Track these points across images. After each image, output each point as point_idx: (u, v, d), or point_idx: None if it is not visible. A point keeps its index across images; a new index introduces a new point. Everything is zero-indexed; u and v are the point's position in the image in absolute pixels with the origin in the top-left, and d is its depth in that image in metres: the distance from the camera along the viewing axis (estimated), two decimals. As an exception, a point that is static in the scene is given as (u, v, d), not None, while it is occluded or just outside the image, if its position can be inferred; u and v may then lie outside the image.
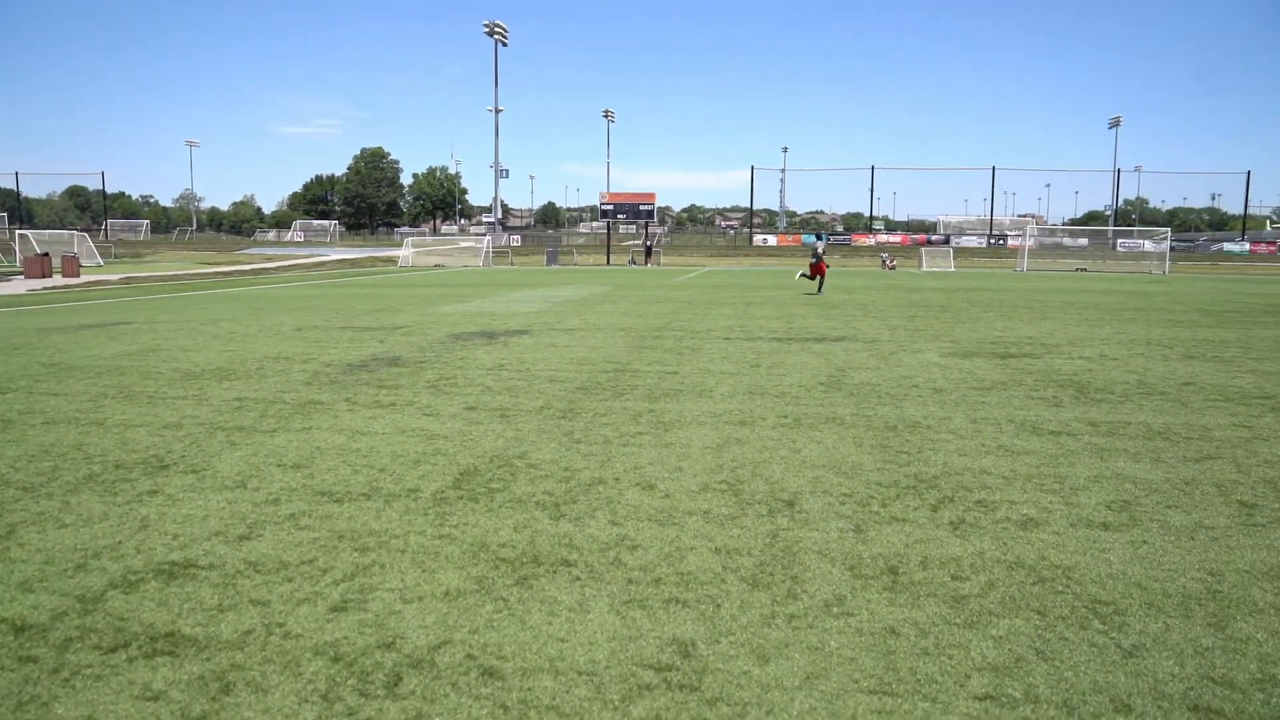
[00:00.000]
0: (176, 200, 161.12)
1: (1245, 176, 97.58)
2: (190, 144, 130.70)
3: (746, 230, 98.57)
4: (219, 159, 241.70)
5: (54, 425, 7.70)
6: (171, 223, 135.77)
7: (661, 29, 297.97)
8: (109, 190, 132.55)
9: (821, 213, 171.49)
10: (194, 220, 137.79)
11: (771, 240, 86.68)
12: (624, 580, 4.28)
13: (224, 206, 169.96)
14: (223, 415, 8.05)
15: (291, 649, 3.60)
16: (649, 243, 59.01)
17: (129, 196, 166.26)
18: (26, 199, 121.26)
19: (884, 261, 54.93)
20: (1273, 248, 78.40)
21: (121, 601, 4.05)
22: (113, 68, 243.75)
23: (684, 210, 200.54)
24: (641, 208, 58.16)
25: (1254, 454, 6.75)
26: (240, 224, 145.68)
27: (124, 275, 38.99)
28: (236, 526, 5.05)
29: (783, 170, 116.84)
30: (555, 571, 4.38)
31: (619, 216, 59.56)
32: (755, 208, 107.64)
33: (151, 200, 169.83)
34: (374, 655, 3.54)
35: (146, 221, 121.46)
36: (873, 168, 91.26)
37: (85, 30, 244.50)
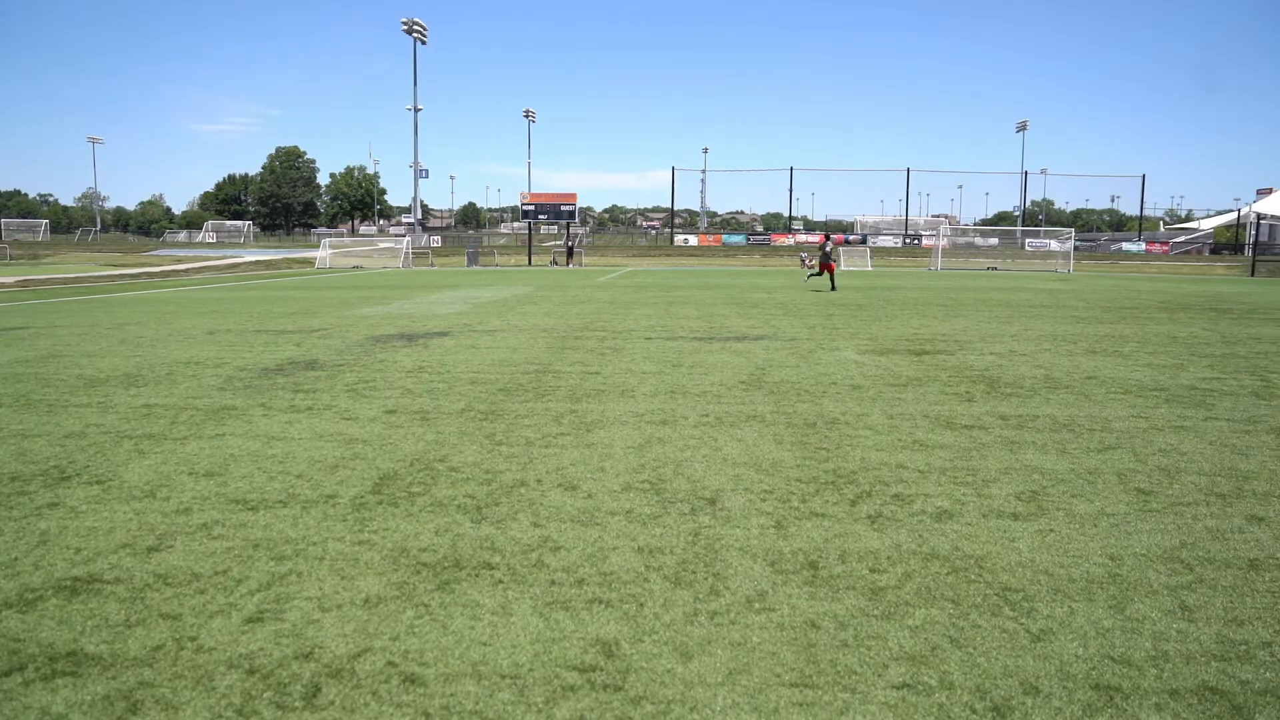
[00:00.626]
0: (79, 199, 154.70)
1: (1141, 180, 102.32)
2: (93, 140, 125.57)
3: (668, 230, 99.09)
4: (124, 157, 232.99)
5: (-54, 437, 7.33)
6: (73, 223, 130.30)
7: (583, 29, 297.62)
8: (3, 188, 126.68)
9: (742, 213, 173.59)
10: (98, 220, 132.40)
11: (693, 240, 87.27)
12: (547, 582, 4.27)
13: (130, 206, 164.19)
14: (130, 423, 7.77)
15: (204, 663, 3.49)
16: (571, 243, 58.87)
17: (25, 195, 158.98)
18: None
19: (803, 261, 55.80)
20: (1165, 247, 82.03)
21: (17, 621, 3.88)
22: (3, 58, 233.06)
23: (605, 211, 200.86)
24: (563, 208, 57.96)
25: (1150, 443, 7.06)
26: (148, 225, 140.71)
27: (20, 278, 37.25)
28: (145, 538, 4.88)
29: (703, 171, 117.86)
30: (477, 575, 4.35)
31: (540, 217, 59.25)
32: (676, 208, 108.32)
33: (51, 199, 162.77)
34: (291, 666, 3.46)
35: (45, 221, 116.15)
36: (791, 169, 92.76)
37: None
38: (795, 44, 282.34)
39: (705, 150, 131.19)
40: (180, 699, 3.24)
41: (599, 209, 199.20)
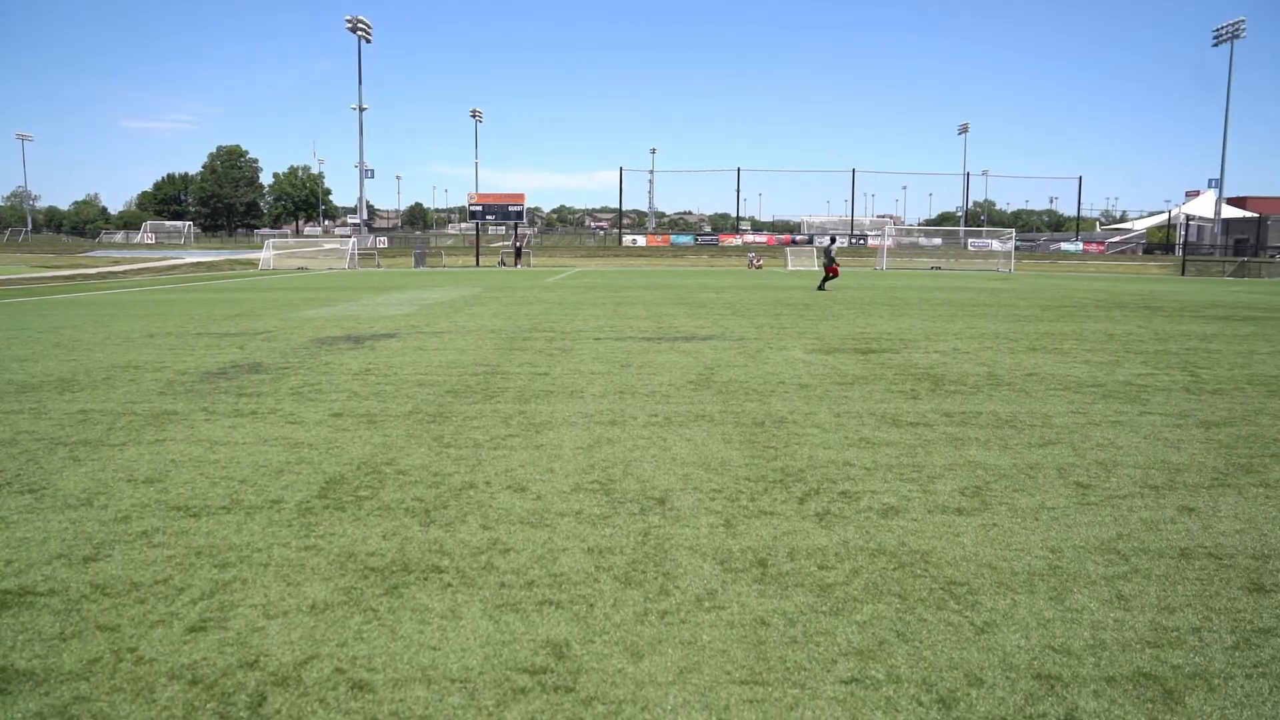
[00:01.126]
0: (8, 198, 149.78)
1: (1078, 181, 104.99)
2: (22, 137, 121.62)
3: (616, 231, 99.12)
4: (56, 155, 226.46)
5: None
6: (2, 223, 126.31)
7: (531, 29, 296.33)
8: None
9: (690, 213, 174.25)
10: (29, 220, 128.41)
11: (641, 240, 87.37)
12: (496, 584, 4.24)
13: (64, 206, 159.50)
14: (65, 429, 7.56)
15: (144, 675, 3.41)
16: (519, 244, 58.60)
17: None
18: None
19: (751, 261, 56.26)
20: (1102, 247, 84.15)
21: (-51, 634, 3.76)
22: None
23: (553, 211, 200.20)
24: (511, 209, 57.67)
25: (1088, 438, 7.24)
26: (83, 225, 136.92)
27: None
28: (81, 548, 4.75)
29: (651, 171, 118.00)
30: (426, 579, 4.31)
31: (488, 217, 58.90)
32: (625, 208, 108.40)
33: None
34: (236, 675, 3.40)
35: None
36: (739, 169, 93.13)
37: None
38: (743, 45, 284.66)
39: (653, 151, 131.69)
40: (119, 713, 3.16)
41: (547, 209, 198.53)
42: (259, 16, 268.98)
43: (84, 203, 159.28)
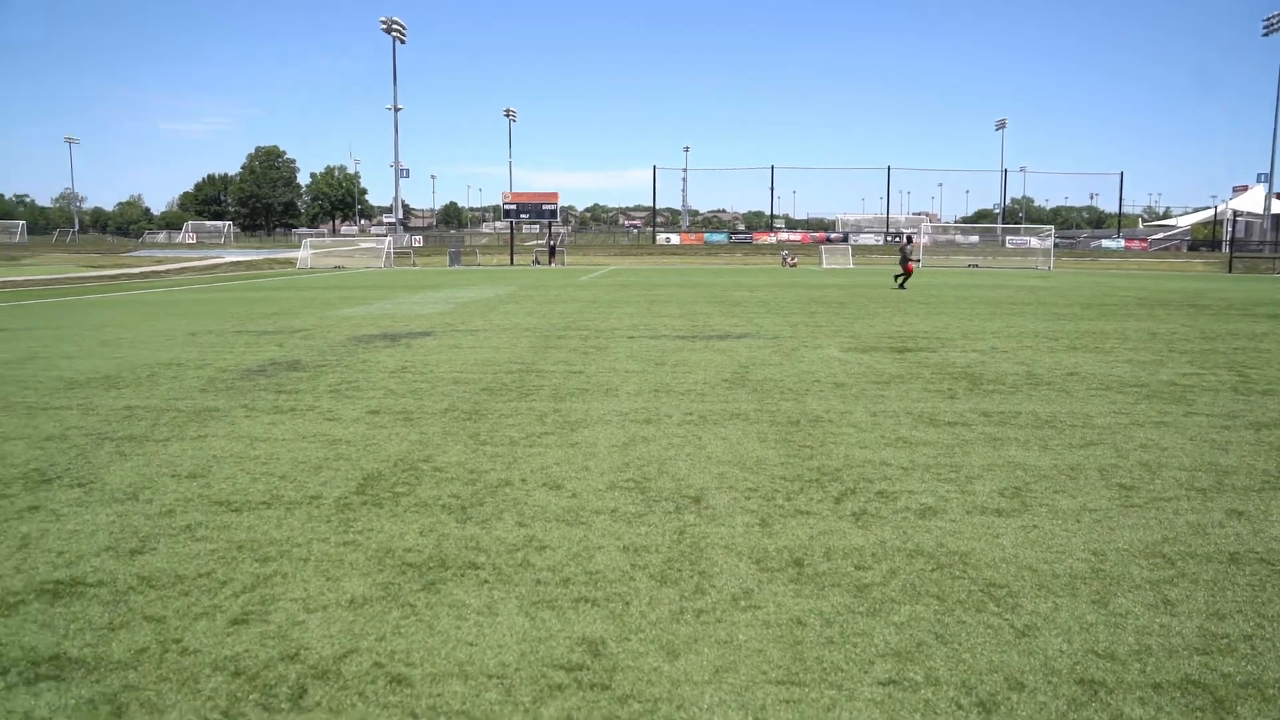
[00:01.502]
0: (56, 200, 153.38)
1: (1119, 177, 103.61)
2: (69, 140, 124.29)
3: (650, 229, 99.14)
4: (102, 157, 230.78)
5: (-78, 440, 7.25)
6: (51, 224, 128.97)
7: (564, 28, 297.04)
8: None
9: (724, 211, 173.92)
10: (76, 221, 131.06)
11: (675, 239, 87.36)
12: (532, 581, 4.26)
13: (109, 207, 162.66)
14: (111, 425, 7.70)
15: (189, 665, 3.47)
16: (552, 242, 58.80)
17: (1, 196, 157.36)
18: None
19: (785, 259, 56.03)
20: (1144, 244, 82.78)
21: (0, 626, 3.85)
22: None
23: (587, 210, 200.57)
24: (544, 207, 57.87)
25: (1131, 439, 7.12)
26: (127, 225, 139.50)
27: (-2, 280, 36.84)
28: (128, 540, 4.84)
29: (685, 170, 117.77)
30: (463, 575, 4.34)
31: (522, 216, 59.15)
32: (658, 207, 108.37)
33: (28, 200, 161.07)
34: (277, 668, 3.45)
35: (22, 223, 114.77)
36: (773, 167, 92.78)
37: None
38: (778, 42, 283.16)
39: (686, 149, 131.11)
40: (165, 701, 3.22)
41: (581, 208, 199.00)
42: (298, 19, 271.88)
43: (128, 204, 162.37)
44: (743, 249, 77.37)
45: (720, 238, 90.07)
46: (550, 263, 55.31)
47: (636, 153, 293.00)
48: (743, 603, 4.02)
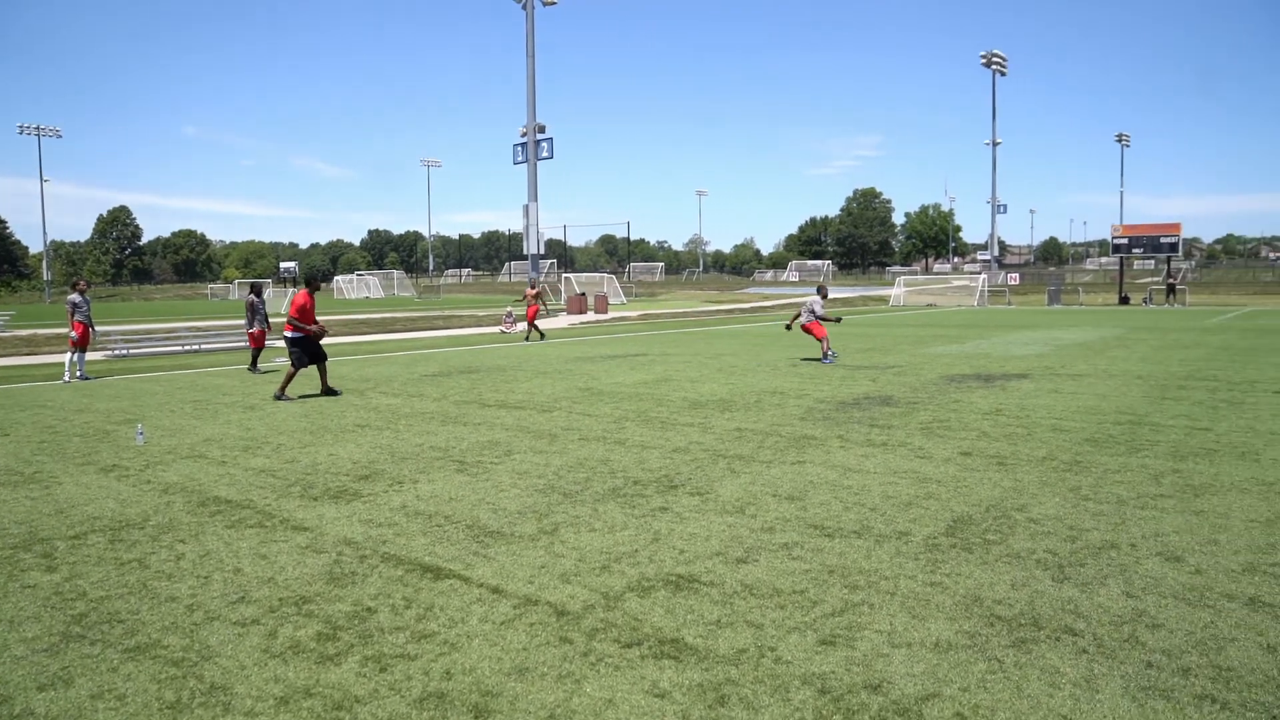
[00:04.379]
0: (686, 244, 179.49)
1: None
2: (700, 193, 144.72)
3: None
4: (724, 206, 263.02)
5: (587, 442, 8.88)
6: (681, 265, 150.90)
7: (1174, 32, 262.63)
8: (632, 237, 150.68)
9: None
10: (700, 262, 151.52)
11: (1340, 276, 71.64)
12: (1142, 662, 3.76)
13: (727, 249, 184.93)
14: (724, 443, 8.65)
15: (781, 674, 3.70)
16: (1172, 280, 52.22)
17: (647, 242, 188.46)
18: (570, 247, 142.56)
19: None
20: None
21: (636, 604, 4.51)
22: (633, 130, 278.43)
23: (1216, 241, 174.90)
24: (1162, 240, 51.65)
25: None
26: (741, 265, 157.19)
27: (642, 312, 43.96)
28: (735, 549, 5.36)
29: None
30: (1058, 639, 3.99)
31: (1134, 251, 53.54)
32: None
33: (666, 245, 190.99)
34: (860, 695, 3.51)
35: (661, 264, 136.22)
36: None
37: (614, 105, 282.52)
38: None
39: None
40: (760, 702, 3.47)
41: (1209, 240, 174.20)
42: (914, 56, 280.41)
43: (742, 246, 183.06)
44: None
45: None
46: (1168, 303, 49.19)
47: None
48: None
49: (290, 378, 12.70)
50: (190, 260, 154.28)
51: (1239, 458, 7.66)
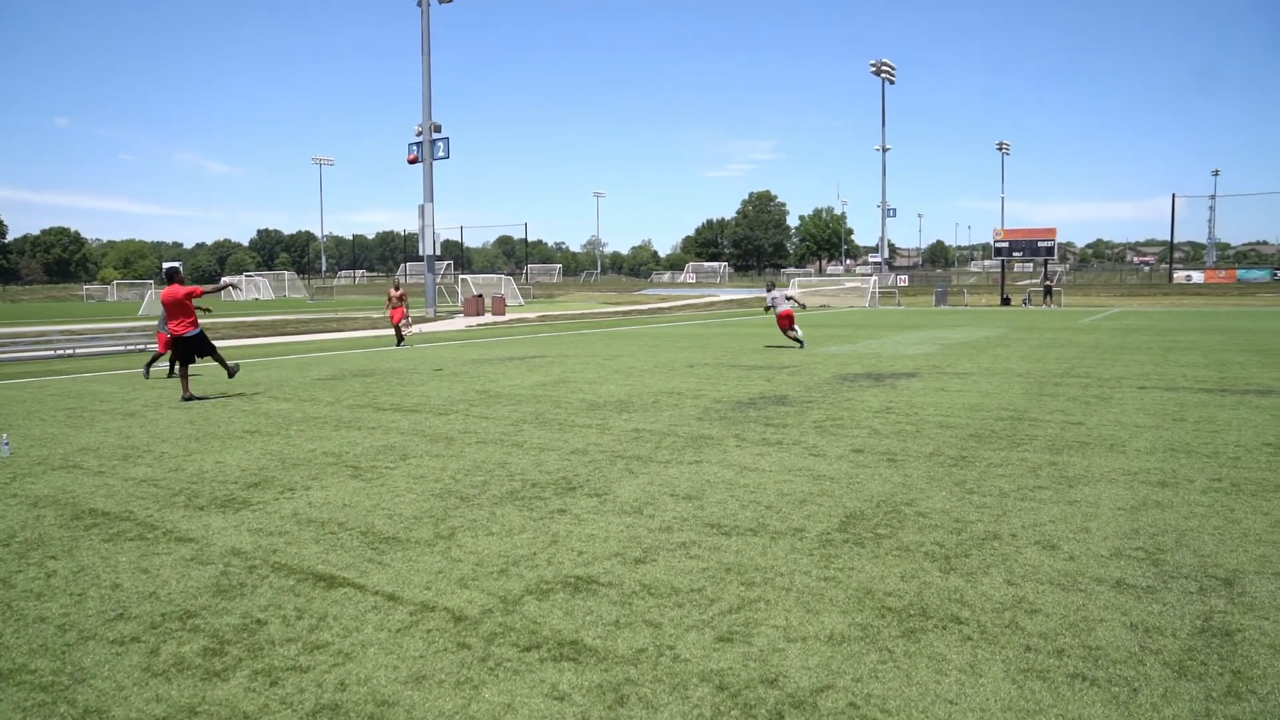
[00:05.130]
0: (584, 246, 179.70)
1: None
2: (597, 195, 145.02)
3: (1165, 266, 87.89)
4: (622, 207, 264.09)
5: (485, 445, 8.79)
6: (579, 266, 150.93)
7: (1058, 53, 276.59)
8: (530, 239, 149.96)
9: (1264, 243, 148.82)
10: (599, 264, 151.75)
11: (1197, 277, 76.28)
12: (1021, 646, 3.94)
13: (624, 251, 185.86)
14: (622, 444, 8.68)
15: (680, 672, 3.74)
16: (1048, 282, 54.82)
17: (545, 244, 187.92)
18: (466, 248, 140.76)
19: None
20: None
21: (535, 607, 4.49)
22: (531, 131, 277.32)
23: (1088, 246, 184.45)
24: (1040, 244, 54.20)
25: None
26: (639, 266, 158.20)
27: (540, 313, 43.78)
28: (633, 549, 5.39)
29: (1212, 197, 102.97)
30: (945, 627, 4.15)
31: (1014, 254, 56.03)
32: (1176, 240, 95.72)
33: (564, 246, 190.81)
34: (757, 689, 3.58)
35: (559, 265, 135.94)
36: (1336, 191, 77.12)
37: (512, 106, 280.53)
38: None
39: (1216, 173, 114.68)
40: (659, 701, 3.50)
41: (1081, 244, 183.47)
42: (805, 62, 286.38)
43: (640, 247, 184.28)
44: (1289, 289, 65.23)
45: (1260, 274, 76.75)
46: (1045, 303, 51.59)
47: (1150, 180, 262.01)
48: (1293, 716, 3.32)
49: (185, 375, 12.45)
50: (63, 260, 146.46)
51: (1108, 450, 8.09)
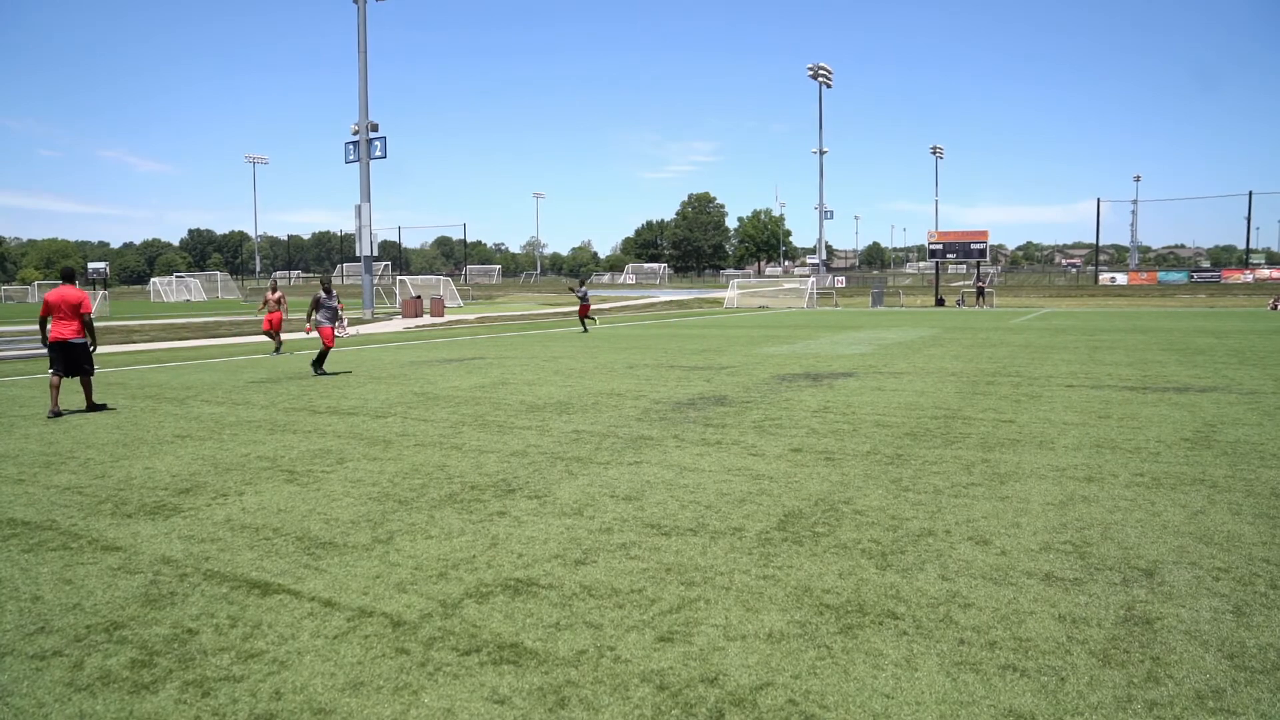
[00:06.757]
0: (524, 247, 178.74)
1: None
2: (537, 195, 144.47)
3: (1091, 268, 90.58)
4: (562, 208, 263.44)
5: (423, 447, 8.70)
6: (519, 267, 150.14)
7: (987, 55, 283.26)
8: (469, 239, 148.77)
9: (1182, 246, 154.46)
10: (538, 265, 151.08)
11: (1121, 278, 78.73)
12: (955, 640, 4.02)
13: (564, 252, 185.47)
14: (562, 446, 8.66)
15: (621, 673, 3.75)
16: (980, 283, 56.08)
17: (485, 244, 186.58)
18: (404, 249, 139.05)
19: (1275, 303, 47.93)
20: None
21: (474, 610, 4.45)
22: (469, 132, 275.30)
23: (1019, 248, 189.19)
24: (973, 246, 55.46)
25: None
26: (578, 267, 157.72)
27: (479, 315, 43.44)
28: (573, 551, 5.38)
29: (1134, 201, 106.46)
30: (881, 623, 4.22)
31: (948, 256, 57.24)
32: (1102, 243, 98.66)
33: (503, 248, 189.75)
34: (698, 688, 3.60)
35: (499, 267, 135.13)
36: (1250, 193, 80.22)
37: (450, 107, 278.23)
38: (1248, 46, 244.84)
39: (1137, 178, 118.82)
40: (600, 702, 3.50)
41: (1012, 246, 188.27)
42: (738, 67, 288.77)
43: (580, 248, 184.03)
44: (1207, 289, 67.71)
45: (1178, 276, 79.54)
46: (978, 304, 52.76)
47: (1077, 184, 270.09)
48: (1211, 703, 3.44)
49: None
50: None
51: (1038, 447, 8.31)
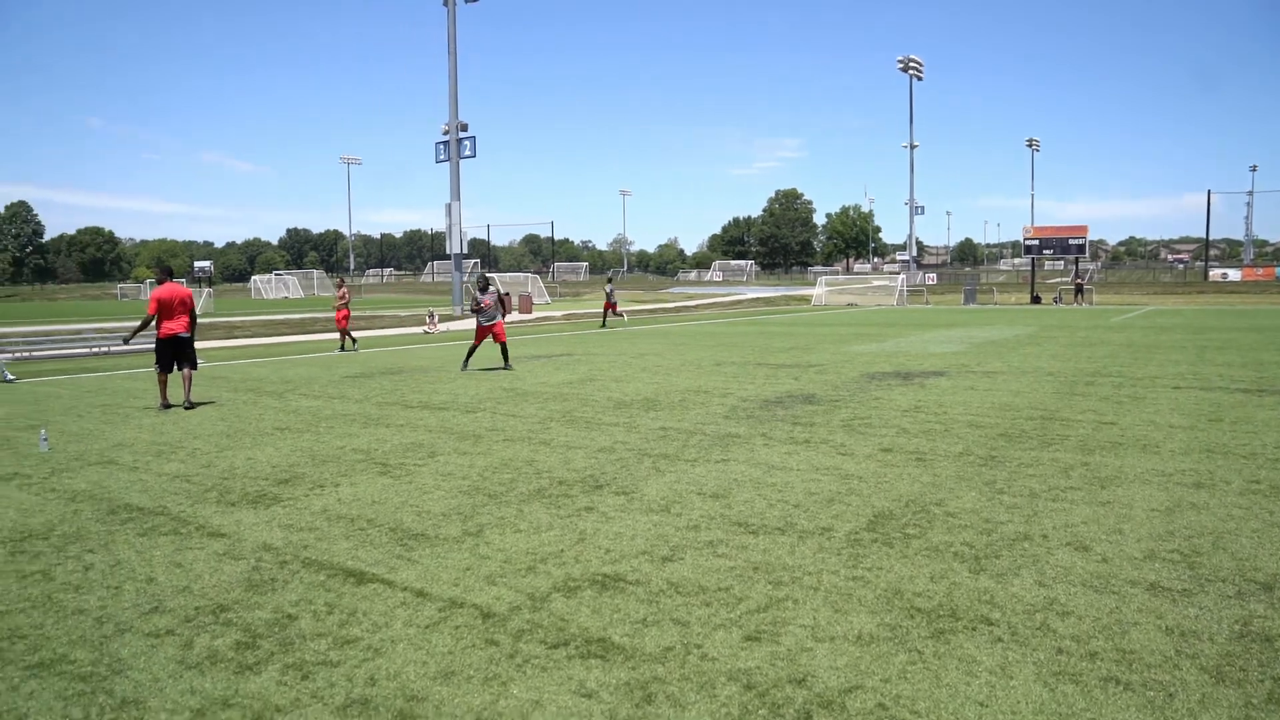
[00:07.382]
0: (610, 244, 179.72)
1: None
2: (623, 193, 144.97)
3: (1200, 264, 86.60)
4: (648, 206, 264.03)
5: (512, 442, 8.83)
6: (606, 264, 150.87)
7: (1089, 45, 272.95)
8: (556, 237, 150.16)
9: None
10: (625, 262, 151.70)
11: (1234, 274, 74.96)
12: (1053, 649, 3.89)
13: (651, 249, 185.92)
14: (649, 443, 8.68)
15: (708, 671, 3.74)
16: (1080, 280, 54.20)
17: (572, 242, 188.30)
18: (493, 247, 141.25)
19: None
20: None
21: (562, 604, 4.50)
22: (552, 134, 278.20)
23: (1121, 244, 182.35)
24: (1071, 242, 53.62)
25: None
26: (665, 265, 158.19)
27: (566, 312, 43.89)
28: (660, 548, 5.39)
29: (1250, 193, 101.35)
30: (974, 629, 4.11)
31: (1045, 252, 55.46)
32: (1212, 237, 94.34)
33: (590, 245, 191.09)
34: (785, 689, 3.56)
35: (586, 264, 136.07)
36: (1377, 188, 75.46)
37: (538, 105, 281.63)
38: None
39: (1254, 168, 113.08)
40: (686, 699, 3.49)
41: (1113, 241, 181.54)
42: (834, 62, 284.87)
43: (666, 246, 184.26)
44: (1328, 288, 64.02)
45: (1296, 273, 75.35)
46: (1076, 302, 51.03)
47: (1186, 176, 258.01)
48: (1333, 722, 3.26)
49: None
50: (98, 259, 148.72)
51: (1141, 450, 7.99)
